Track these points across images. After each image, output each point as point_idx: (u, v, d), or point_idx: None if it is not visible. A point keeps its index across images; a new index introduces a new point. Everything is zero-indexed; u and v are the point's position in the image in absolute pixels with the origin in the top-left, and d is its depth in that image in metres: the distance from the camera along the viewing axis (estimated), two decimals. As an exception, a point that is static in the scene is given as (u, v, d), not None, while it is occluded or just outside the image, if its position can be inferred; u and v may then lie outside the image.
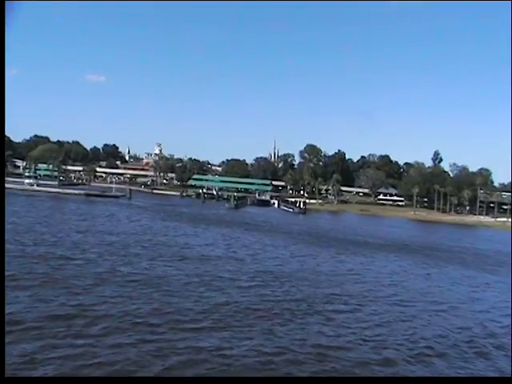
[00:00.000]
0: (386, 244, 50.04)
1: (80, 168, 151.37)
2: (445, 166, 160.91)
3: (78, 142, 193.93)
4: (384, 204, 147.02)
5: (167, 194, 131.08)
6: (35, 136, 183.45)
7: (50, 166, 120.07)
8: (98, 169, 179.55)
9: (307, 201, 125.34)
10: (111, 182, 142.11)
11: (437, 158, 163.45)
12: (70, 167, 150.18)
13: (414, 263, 37.13)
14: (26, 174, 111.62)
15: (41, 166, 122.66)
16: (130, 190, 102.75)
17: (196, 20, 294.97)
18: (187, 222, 53.20)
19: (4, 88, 13.22)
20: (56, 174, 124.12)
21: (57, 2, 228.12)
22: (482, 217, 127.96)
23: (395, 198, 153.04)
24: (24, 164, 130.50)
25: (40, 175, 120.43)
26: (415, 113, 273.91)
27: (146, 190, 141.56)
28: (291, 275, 26.13)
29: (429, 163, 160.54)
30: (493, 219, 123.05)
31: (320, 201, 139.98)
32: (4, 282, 16.10)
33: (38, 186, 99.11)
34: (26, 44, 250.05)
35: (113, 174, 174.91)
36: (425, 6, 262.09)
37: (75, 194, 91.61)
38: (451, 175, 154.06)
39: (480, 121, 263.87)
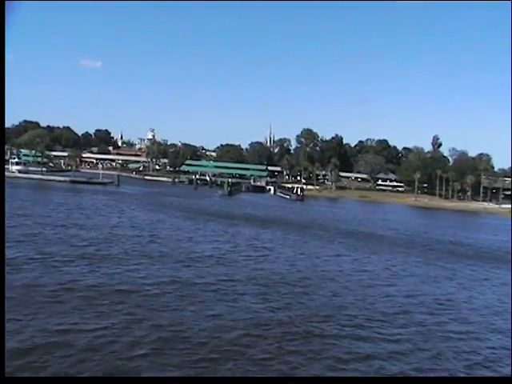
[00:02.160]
0: (406, 239, 44.20)
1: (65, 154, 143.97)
2: (444, 150, 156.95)
3: (68, 128, 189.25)
4: (383, 190, 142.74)
5: (159, 181, 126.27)
6: (24, 121, 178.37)
7: (33, 152, 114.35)
8: (89, 154, 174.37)
9: (304, 187, 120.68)
10: (102, 168, 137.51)
11: (436, 142, 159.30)
12: (59, 153, 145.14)
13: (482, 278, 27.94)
14: (12, 161, 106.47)
15: (23, 151, 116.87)
16: (118, 176, 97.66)
17: (192, 6, 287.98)
18: (173, 214, 48.06)
19: (4, 85, 12.81)
20: (44, 160, 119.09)
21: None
22: (485, 203, 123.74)
23: (395, 183, 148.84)
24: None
25: (29, 161, 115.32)
26: (412, 98, 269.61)
27: (137, 176, 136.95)
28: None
29: (427, 148, 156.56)
30: (497, 206, 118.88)
31: (317, 187, 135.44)
32: (4, 282, 15.53)
33: (21, 172, 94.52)
34: (21, 29, 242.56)
35: (104, 159, 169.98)
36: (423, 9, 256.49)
37: (60, 181, 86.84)
38: (450, 160, 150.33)
39: (477, 106, 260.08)
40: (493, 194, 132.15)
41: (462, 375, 12.91)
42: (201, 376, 11.36)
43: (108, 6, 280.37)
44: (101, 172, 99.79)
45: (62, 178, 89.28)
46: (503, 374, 13.12)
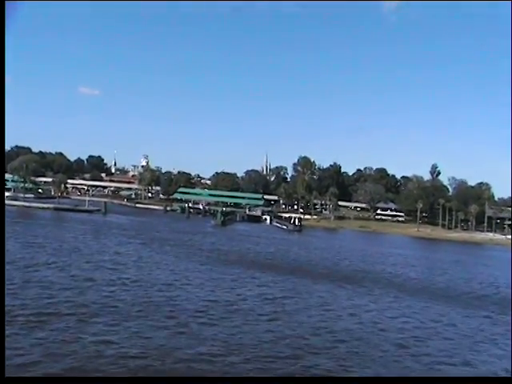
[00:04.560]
0: (428, 282, 37.92)
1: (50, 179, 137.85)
2: (442, 179, 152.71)
3: (61, 153, 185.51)
4: (383, 220, 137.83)
5: (150, 209, 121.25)
6: (16, 147, 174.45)
7: (16, 177, 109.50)
8: (81, 181, 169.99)
9: (302, 216, 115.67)
10: (93, 195, 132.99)
11: (435, 171, 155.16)
12: (49, 179, 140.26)
13: None
14: None
15: (8, 176, 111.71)
16: (105, 203, 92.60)
17: (189, 36, 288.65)
18: (156, 250, 42.29)
19: (4, 89, 12.62)
20: (30, 186, 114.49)
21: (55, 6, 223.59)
22: (490, 234, 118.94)
23: (395, 213, 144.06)
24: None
25: (18, 187, 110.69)
26: (409, 126, 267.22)
27: (128, 203, 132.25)
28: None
29: (426, 177, 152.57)
30: (503, 236, 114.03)
31: (315, 216, 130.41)
32: (4, 282, 16.10)
33: (8, 199, 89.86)
34: (20, 53, 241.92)
35: (95, 186, 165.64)
36: (423, 10, 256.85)
37: (43, 209, 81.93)
38: (450, 189, 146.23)
39: (474, 135, 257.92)
40: (497, 224, 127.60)
41: (462, 375, 13.22)
42: (201, 376, 11.68)
43: (108, 35, 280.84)
44: (87, 199, 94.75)
45: (45, 205, 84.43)
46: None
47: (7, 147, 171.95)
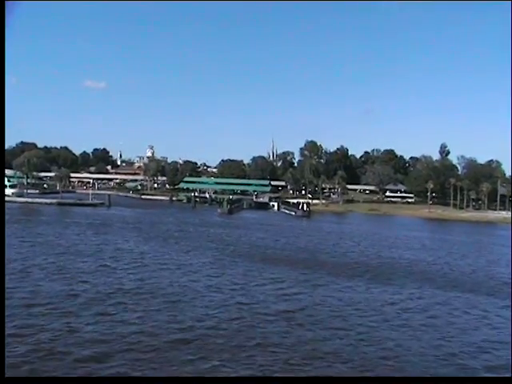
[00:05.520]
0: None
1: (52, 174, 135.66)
2: (452, 158, 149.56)
3: (66, 148, 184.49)
4: (393, 202, 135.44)
5: (156, 199, 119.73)
6: (21, 143, 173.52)
7: (19, 173, 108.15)
8: (86, 174, 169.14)
9: (310, 201, 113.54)
10: (98, 188, 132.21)
11: (444, 150, 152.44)
12: (53, 174, 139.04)
13: None
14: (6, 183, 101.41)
15: (8, 172, 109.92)
16: (109, 196, 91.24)
17: (193, 17, 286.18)
18: (160, 246, 40.03)
19: (4, 90, 13.05)
20: (34, 181, 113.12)
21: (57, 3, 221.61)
22: (503, 212, 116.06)
23: (404, 194, 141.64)
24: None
25: (23, 183, 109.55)
26: (414, 107, 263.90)
27: (134, 195, 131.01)
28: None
29: (435, 157, 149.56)
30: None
31: (324, 201, 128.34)
32: (4, 282, 15.72)
33: (13, 195, 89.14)
34: (24, 50, 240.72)
35: (101, 179, 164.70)
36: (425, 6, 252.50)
37: (46, 204, 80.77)
38: (459, 168, 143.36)
39: (479, 112, 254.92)
40: (510, 202, 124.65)
41: (462, 375, 12.80)
42: (201, 376, 11.63)
43: (112, 28, 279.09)
44: (91, 192, 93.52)
45: (48, 201, 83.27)
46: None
47: (12, 143, 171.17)
